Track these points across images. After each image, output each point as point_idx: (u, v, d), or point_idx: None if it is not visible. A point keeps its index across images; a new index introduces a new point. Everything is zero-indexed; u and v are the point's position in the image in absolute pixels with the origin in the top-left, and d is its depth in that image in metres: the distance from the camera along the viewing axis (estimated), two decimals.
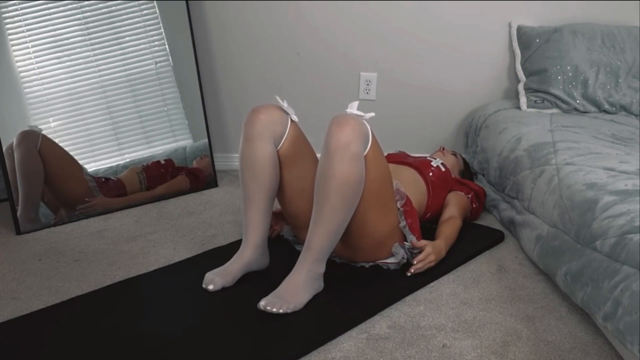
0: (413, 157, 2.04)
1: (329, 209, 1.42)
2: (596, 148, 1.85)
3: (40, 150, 2.02)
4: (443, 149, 2.18)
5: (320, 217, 1.44)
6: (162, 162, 2.30)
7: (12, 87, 2.02)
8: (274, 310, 1.38)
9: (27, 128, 2.02)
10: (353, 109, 1.51)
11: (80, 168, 2.12)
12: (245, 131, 1.57)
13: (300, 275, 1.46)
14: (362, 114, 1.50)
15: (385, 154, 2.08)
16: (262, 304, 1.39)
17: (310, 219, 1.49)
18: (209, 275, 1.53)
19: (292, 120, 1.62)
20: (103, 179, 2.17)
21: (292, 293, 1.43)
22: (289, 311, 1.40)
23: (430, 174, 1.89)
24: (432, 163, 1.94)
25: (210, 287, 1.50)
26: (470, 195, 2.01)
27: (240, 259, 1.56)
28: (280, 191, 1.65)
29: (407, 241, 1.64)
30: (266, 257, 1.63)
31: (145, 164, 2.26)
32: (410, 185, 1.80)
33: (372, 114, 1.51)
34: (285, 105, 1.62)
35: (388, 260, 1.66)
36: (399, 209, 1.62)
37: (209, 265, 1.60)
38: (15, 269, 1.73)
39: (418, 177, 1.87)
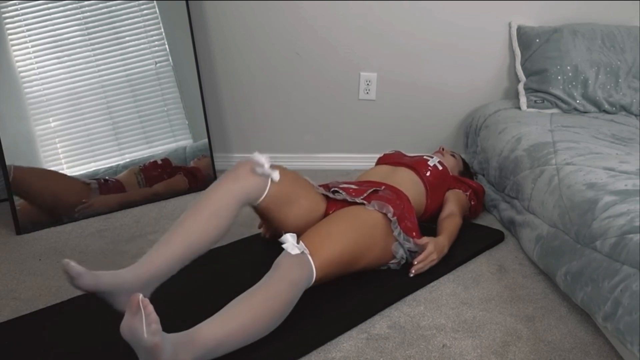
0: (409, 156, 2.03)
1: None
2: (596, 148, 1.85)
3: (15, 180, 1.97)
4: (442, 149, 2.18)
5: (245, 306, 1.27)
6: (159, 162, 2.30)
7: (12, 87, 2.02)
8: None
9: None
10: (290, 248, 1.38)
11: (65, 177, 2.09)
12: (214, 186, 1.48)
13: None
14: (302, 249, 1.39)
15: (382, 154, 2.09)
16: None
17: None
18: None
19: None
20: (102, 180, 2.17)
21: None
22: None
23: (428, 173, 1.88)
24: (428, 162, 1.93)
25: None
26: (468, 193, 2.01)
27: (115, 277, 1.31)
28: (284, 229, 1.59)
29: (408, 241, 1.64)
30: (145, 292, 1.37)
31: (142, 165, 2.26)
32: (408, 187, 1.79)
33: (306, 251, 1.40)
34: (266, 167, 1.50)
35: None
36: (390, 219, 1.59)
37: (209, 265, 1.59)
38: (15, 269, 1.73)
39: (415, 178, 1.87)
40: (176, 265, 1.38)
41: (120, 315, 1.15)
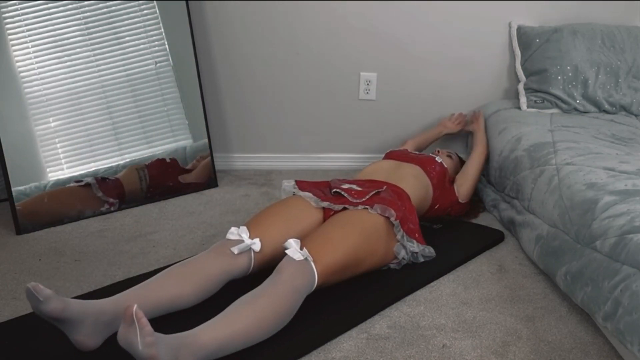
0: (415, 154, 2.05)
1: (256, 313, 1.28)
2: (596, 148, 1.85)
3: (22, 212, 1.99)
4: (438, 151, 2.19)
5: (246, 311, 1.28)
6: (168, 160, 2.30)
7: (12, 87, 2.02)
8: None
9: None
10: (294, 254, 1.39)
11: (64, 192, 2.10)
12: (209, 252, 1.46)
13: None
14: (304, 255, 1.40)
15: (388, 150, 2.12)
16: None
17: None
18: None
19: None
20: (100, 179, 2.16)
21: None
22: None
23: (435, 170, 1.93)
24: (436, 159, 1.98)
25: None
26: None
27: (84, 306, 1.26)
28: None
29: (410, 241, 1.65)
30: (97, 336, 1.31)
31: (148, 162, 2.26)
32: (411, 182, 1.81)
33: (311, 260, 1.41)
34: (245, 241, 1.47)
35: None
36: (392, 223, 1.60)
37: None
38: (15, 269, 1.73)
39: (421, 173, 1.89)
40: (147, 313, 1.22)
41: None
